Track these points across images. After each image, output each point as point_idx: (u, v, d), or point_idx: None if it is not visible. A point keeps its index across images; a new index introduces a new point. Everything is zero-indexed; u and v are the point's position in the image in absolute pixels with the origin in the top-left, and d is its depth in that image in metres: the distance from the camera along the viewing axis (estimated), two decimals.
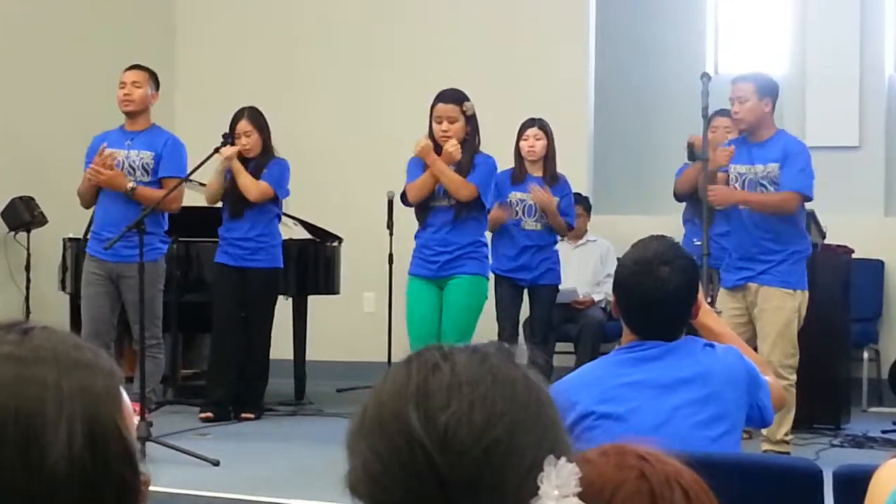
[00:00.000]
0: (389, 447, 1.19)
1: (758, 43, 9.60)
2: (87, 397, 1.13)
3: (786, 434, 6.22)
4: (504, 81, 9.13)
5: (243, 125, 7.35)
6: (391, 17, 9.65)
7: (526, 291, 7.32)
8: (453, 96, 6.36)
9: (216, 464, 5.85)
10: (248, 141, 7.33)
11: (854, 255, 7.63)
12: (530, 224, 7.27)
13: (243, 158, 7.36)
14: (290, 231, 8.08)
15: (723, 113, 6.89)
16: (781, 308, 6.26)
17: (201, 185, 7.44)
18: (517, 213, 7.24)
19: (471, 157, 6.33)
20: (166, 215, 6.93)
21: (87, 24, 9.32)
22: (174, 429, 6.64)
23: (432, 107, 6.38)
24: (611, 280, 3.08)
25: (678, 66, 9.44)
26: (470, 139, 6.36)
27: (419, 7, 9.62)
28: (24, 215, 8.51)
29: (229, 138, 7.22)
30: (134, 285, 6.68)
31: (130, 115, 6.92)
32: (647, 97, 9.69)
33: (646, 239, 3.04)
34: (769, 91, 6.37)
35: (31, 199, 8.48)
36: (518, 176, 7.30)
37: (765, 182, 6.31)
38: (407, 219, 6.52)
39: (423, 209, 6.41)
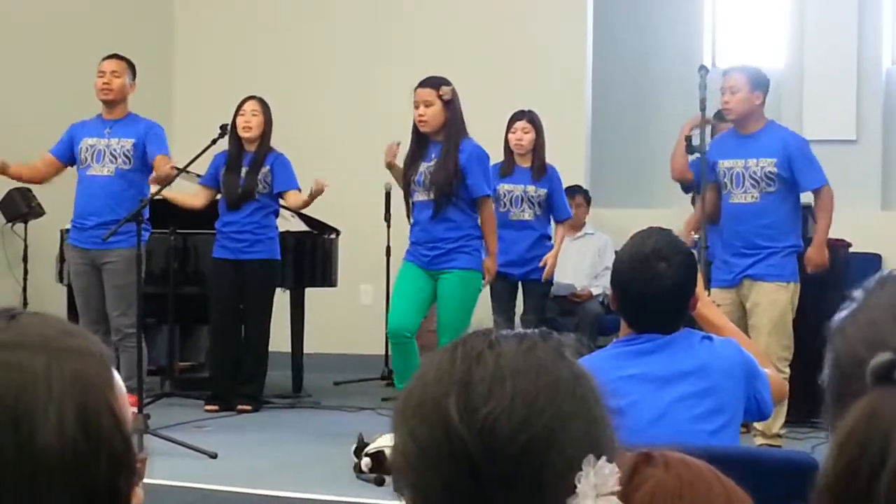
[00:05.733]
0: (428, 434, 1.18)
1: (755, 36, 9.60)
2: (77, 379, 1.13)
3: (780, 427, 6.21)
4: (502, 73, 9.13)
5: (252, 104, 7.38)
6: (389, 10, 9.65)
7: (520, 286, 7.32)
8: (430, 81, 6.33)
9: (214, 456, 5.85)
10: (253, 120, 7.32)
11: (851, 249, 7.62)
12: (517, 214, 7.27)
13: (240, 146, 7.35)
14: (287, 223, 8.07)
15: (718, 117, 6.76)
16: (776, 301, 6.23)
17: (198, 176, 7.43)
18: (505, 204, 7.25)
19: (456, 142, 6.27)
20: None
21: (86, 17, 9.31)
22: (172, 421, 6.63)
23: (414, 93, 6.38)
24: (609, 273, 3.06)
25: (676, 58, 9.44)
26: (450, 124, 6.28)
27: (417, 1, 9.62)
28: (22, 207, 8.51)
29: (227, 129, 7.20)
30: (115, 271, 6.68)
31: (108, 103, 6.92)
32: (645, 89, 9.69)
33: (644, 232, 3.02)
34: (760, 84, 6.29)
35: (29, 190, 8.47)
36: (506, 168, 7.30)
37: (756, 178, 6.24)
38: (404, 211, 6.52)
39: (408, 203, 6.43)
